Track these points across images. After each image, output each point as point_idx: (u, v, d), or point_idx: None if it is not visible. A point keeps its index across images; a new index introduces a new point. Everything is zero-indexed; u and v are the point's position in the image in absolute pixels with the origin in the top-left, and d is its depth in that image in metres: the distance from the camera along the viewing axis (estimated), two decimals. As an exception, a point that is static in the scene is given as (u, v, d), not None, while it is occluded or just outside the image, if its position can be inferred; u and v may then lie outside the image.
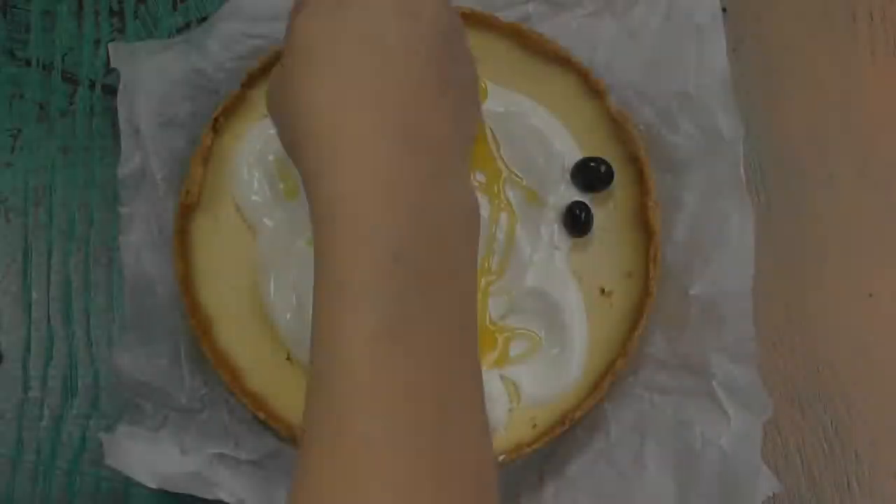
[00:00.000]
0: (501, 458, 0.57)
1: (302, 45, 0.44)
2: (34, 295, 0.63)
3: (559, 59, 0.63)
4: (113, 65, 0.62)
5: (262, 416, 0.57)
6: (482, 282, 0.60)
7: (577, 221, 0.60)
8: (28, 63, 0.67)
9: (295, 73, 0.44)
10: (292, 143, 0.44)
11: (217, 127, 0.61)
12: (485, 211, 0.61)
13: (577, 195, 0.61)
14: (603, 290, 0.61)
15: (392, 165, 0.41)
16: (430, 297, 0.40)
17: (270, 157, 0.61)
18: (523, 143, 0.62)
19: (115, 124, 0.63)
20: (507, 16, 0.64)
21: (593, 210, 0.61)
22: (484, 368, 0.59)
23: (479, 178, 0.62)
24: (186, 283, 0.59)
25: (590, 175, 0.61)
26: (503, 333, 0.60)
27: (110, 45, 0.62)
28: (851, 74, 0.68)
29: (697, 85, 0.62)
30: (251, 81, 0.62)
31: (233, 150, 0.62)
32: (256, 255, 0.61)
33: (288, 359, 0.59)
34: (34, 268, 0.64)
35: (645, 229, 0.60)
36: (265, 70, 0.62)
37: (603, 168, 0.61)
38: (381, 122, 0.41)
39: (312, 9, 0.45)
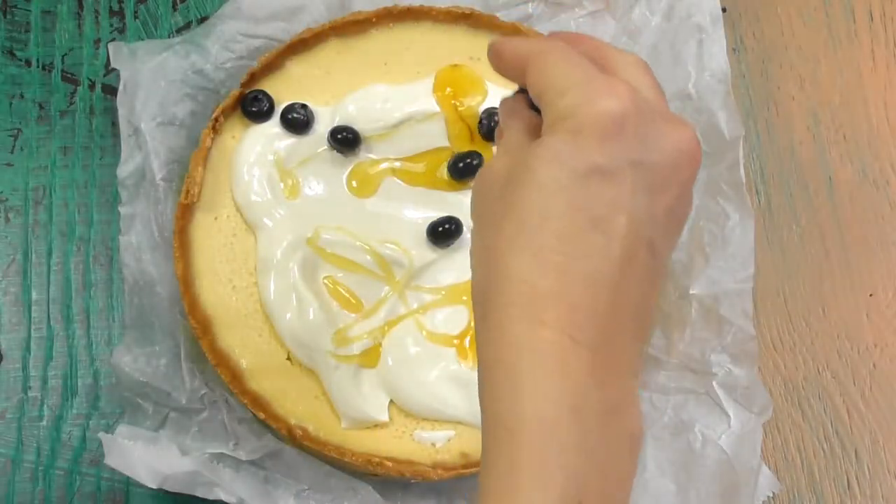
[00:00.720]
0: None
1: (522, 188, 0.38)
2: (34, 295, 0.63)
3: (559, 59, 0.63)
4: (113, 65, 0.62)
5: (261, 416, 0.57)
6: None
7: (577, 221, 0.60)
8: (28, 63, 0.67)
9: (501, 207, 0.39)
10: (482, 279, 0.40)
11: (217, 127, 0.61)
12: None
13: (577, 195, 0.61)
14: (603, 290, 0.61)
15: (583, 395, 0.37)
16: None
17: (270, 158, 0.61)
18: (523, 143, 0.62)
19: (115, 124, 0.63)
20: (507, 16, 0.64)
21: (593, 210, 0.61)
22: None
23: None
24: (186, 283, 0.59)
25: (590, 175, 0.61)
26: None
27: (110, 45, 0.62)
28: (851, 74, 0.68)
29: (697, 85, 0.62)
30: (251, 81, 0.62)
31: (233, 151, 0.62)
32: (256, 255, 0.61)
33: (288, 359, 0.59)
34: (34, 268, 0.64)
35: (645, 229, 0.60)
36: (265, 70, 0.62)
37: (603, 168, 0.61)
38: (574, 339, 0.37)
39: (555, 147, 0.38)
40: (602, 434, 0.37)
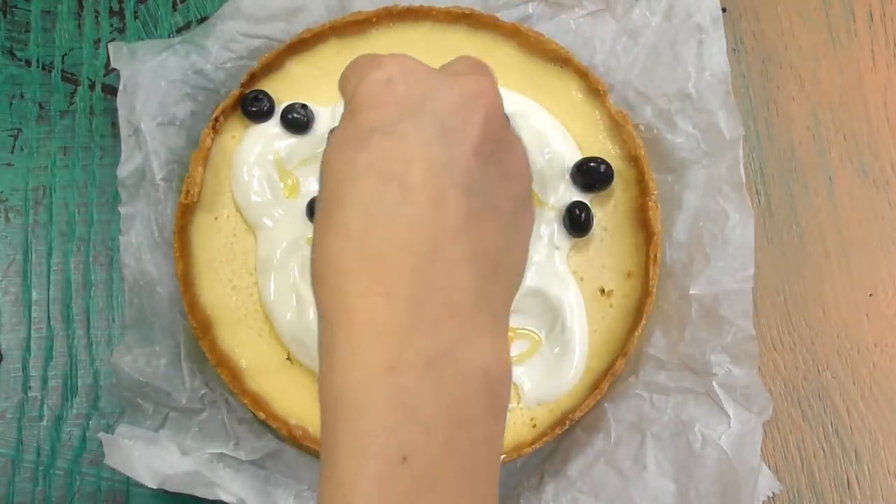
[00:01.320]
0: (502, 457, 0.57)
1: (325, 184, 0.40)
2: (34, 295, 0.63)
3: (559, 60, 0.63)
4: (113, 65, 0.62)
5: (261, 416, 0.57)
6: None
7: (577, 221, 0.60)
8: (28, 63, 0.67)
9: (319, 212, 0.40)
10: (312, 280, 0.40)
11: (217, 127, 0.61)
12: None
13: (577, 195, 0.61)
14: (603, 290, 0.61)
15: (397, 350, 0.37)
16: (442, 495, 0.37)
17: (270, 157, 0.61)
18: (523, 142, 0.62)
19: (114, 124, 0.63)
20: (507, 16, 0.64)
21: (593, 210, 0.61)
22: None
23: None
24: (186, 283, 0.59)
25: (590, 175, 0.61)
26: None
27: (110, 45, 0.62)
28: (851, 74, 0.68)
29: (697, 85, 0.62)
30: (251, 81, 0.62)
31: (233, 151, 0.62)
32: (256, 255, 0.61)
33: (288, 359, 0.59)
34: (34, 268, 0.64)
35: (645, 229, 0.60)
36: (265, 70, 0.62)
37: (603, 168, 0.61)
38: (388, 295, 0.37)
39: (339, 136, 0.41)
40: (435, 380, 0.37)
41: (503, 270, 0.42)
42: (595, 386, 0.58)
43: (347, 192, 0.39)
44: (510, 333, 0.60)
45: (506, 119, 0.44)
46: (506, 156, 0.43)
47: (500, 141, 0.42)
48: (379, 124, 0.40)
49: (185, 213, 0.60)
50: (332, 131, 0.43)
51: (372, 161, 0.39)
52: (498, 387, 0.39)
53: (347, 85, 0.43)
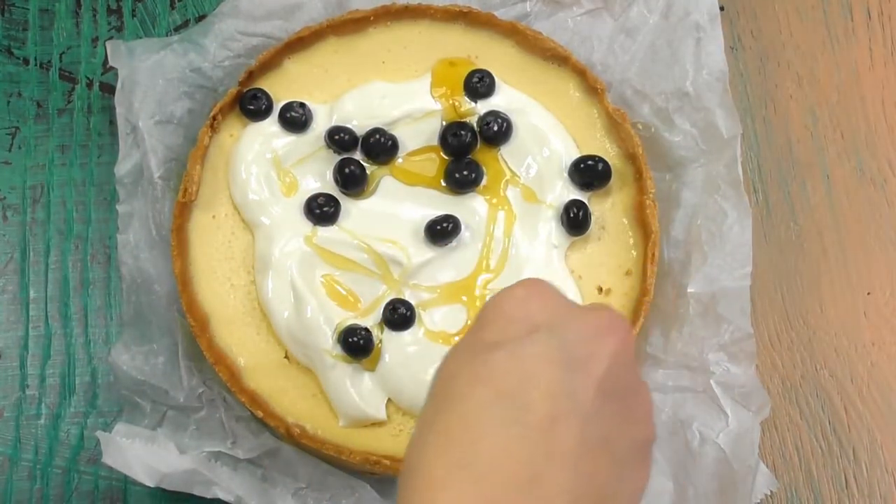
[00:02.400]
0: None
1: (437, 383, 0.39)
2: (32, 293, 0.63)
3: (557, 58, 0.63)
4: (111, 63, 0.62)
5: (259, 414, 0.57)
6: (480, 280, 0.60)
7: (574, 220, 0.60)
8: (26, 61, 0.67)
9: (425, 409, 0.39)
10: (401, 472, 0.39)
11: (215, 125, 0.61)
12: (483, 209, 0.61)
13: (575, 193, 0.61)
14: (601, 289, 0.61)
15: None
16: None
17: (268, 156, 0.61)
18: (521, 141, 0.62)
19: (112, 122, 0.63)
20: (505, 14, 0.64)
21: (591, 208, 0.61)
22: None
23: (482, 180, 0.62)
24: (184, 281, 0.59)
25: (588, 173, 0.61)
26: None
27: (108, 44, 0.62)
28: (849, 72, 0.69)
29: (695, 83, 0.62)
30: (249, 80, 0.62)
31: (231, 149, 0.62)
32: (254, 253, 0.61)
33: (286, 357, 0.59)
34: (32, 266, 0.64)
35: (643, 228, 0.60)
36: (263, 68, 0.62)
37: (601, 166, 0.61)
38: None
39: (461, 344, 0.40)
40: None
41: None
42: (593, 384, 0.58)
43: (459, 398, 0.38)
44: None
45: (634, 362, 0.42)
46: (631, 399, 0.41)
47: (626, 381, 0.41)
48: (504, 339, 0.39)
49: (183, 211, 0.60)
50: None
51: (492, 374, 0.38)
52: None
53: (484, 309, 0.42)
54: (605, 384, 0.39)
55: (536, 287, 0.41)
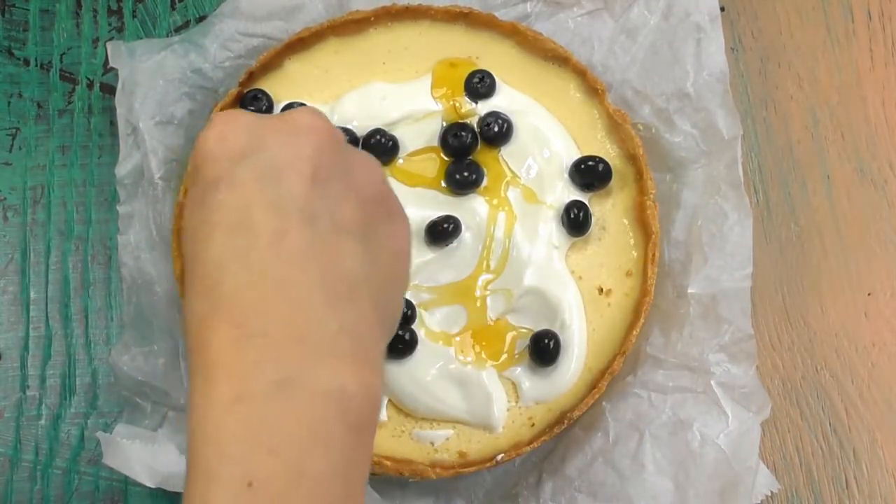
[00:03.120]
0: (500, 456, 0.57)
1: (186, 245, 0.43)
2: (32, 294, 0.63)
3: (558, 58, 0.63)
4: (111, 64, 0.62)
5: (260, 415, 0.57)
6: (481, 281, 0.60)
7: (575, 221, 0.60)
8: (26, 62, 0.67)
9: (185, 272, 0.43)
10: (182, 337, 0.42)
11: (215, 126, 0.61)
12: (483, 210, 0.61)
13: (575, 194, 0.61)
14: (601, 290, 0.61)
15: (244, 382, 0.38)
16: None
17: (269, 156, 0.61)
18: (522, 141, 0.62)
19: (113, 123, 0.63)
20: (505, 14, 0.64)
21: (592, 209, 0.61)
22: (490, 367, 0.59)
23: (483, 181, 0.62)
24: (185, 282, 0.59)
25: (588, 174, 0.61)
26: (510, 332, 0.60)
27: (109, 44, 0.62)
28: (849, 73, 0.69)
29: (696, 84, 0.62)
30: (250, 81, 0.62)
31: (231, 149, 0.62)
32: (255, 254, 0.60)
33: (286, 358, 0.59)
34: (32, 267, 0.64)
35: (643, 228, 0.60)
36: (263, 69, 0.62)
37: (601, 167, 0.61)
38: (236, 334, 0.39)
39: (189, 198, 0.43)
40: (282, 405, 0.38)
41: (366, 287, 0.42)
42: (593, 385, 0.58)
43: (202, 249, 0.41)
44: (512, 332, 0.60)
45: (341, 139, 0.44)
46: (350, 169, 0.44)
47: (338, 163, 0.43)
48: (217, 178, 0.41)
49: (184, 212, 0.60)
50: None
51: (219, 214, 0.40)
52: (357, 404, 0.39)
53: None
54: (317, 176, 0.41)
55: (229, 120, 0.43)
